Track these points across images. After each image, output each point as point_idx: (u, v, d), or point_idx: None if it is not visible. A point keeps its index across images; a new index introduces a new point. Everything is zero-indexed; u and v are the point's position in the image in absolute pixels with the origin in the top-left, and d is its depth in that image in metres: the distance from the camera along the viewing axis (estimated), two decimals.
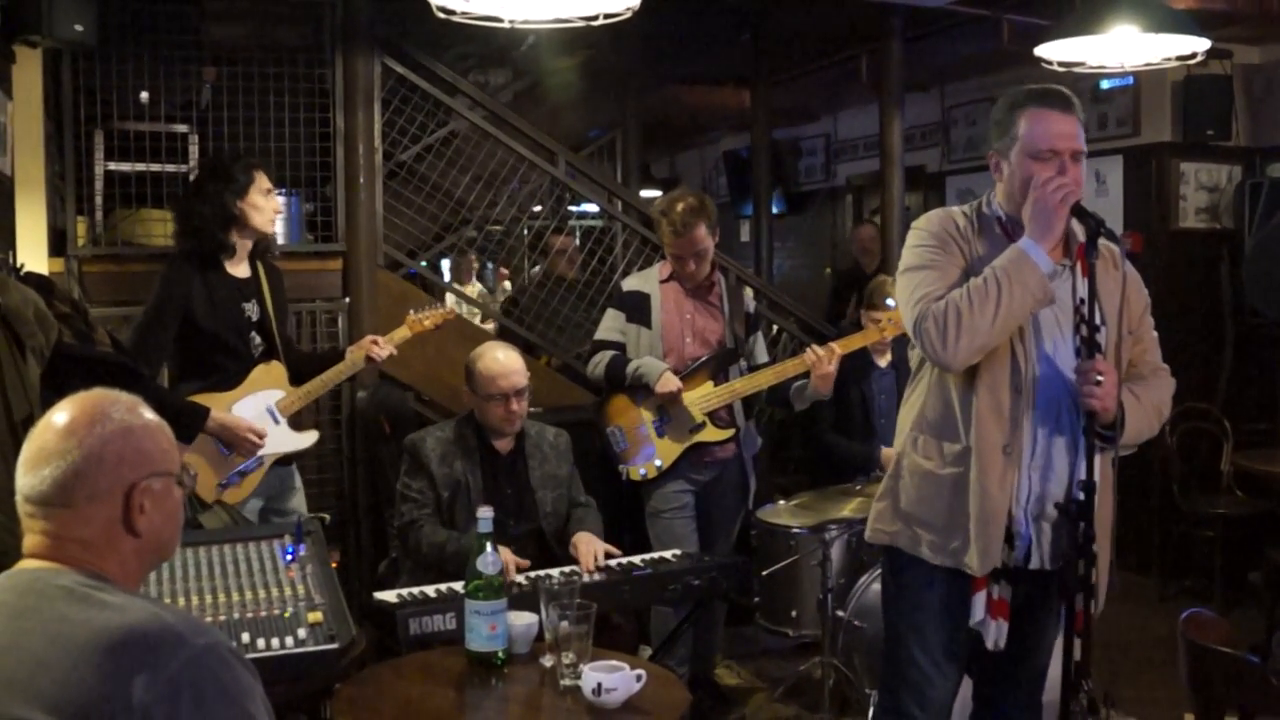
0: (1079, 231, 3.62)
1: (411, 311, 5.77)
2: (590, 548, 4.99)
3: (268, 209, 5.31)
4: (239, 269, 5.35)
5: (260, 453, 5.26)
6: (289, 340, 5.66)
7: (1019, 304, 3.50)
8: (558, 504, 5.29)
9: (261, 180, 5.28)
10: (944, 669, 3.82)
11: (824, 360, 5.66)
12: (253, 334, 5.34)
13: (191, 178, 6.47)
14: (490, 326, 8.38)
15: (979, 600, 3.67)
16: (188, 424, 5.02)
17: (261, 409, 5.30)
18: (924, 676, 3.82)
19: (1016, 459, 3.61)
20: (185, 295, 5.16)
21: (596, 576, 4.82)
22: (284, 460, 5.47)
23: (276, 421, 5.33)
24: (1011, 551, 3.64)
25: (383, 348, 5.52)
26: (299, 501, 5.60)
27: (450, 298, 8.16)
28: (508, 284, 11.82)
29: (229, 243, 5.26)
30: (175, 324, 5.17)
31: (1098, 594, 3.65)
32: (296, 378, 5.46)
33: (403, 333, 5.64)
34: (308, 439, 5.51)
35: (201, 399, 5.17)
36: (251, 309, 5.33)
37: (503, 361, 5.15)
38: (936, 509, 3.71)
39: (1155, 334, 3.94)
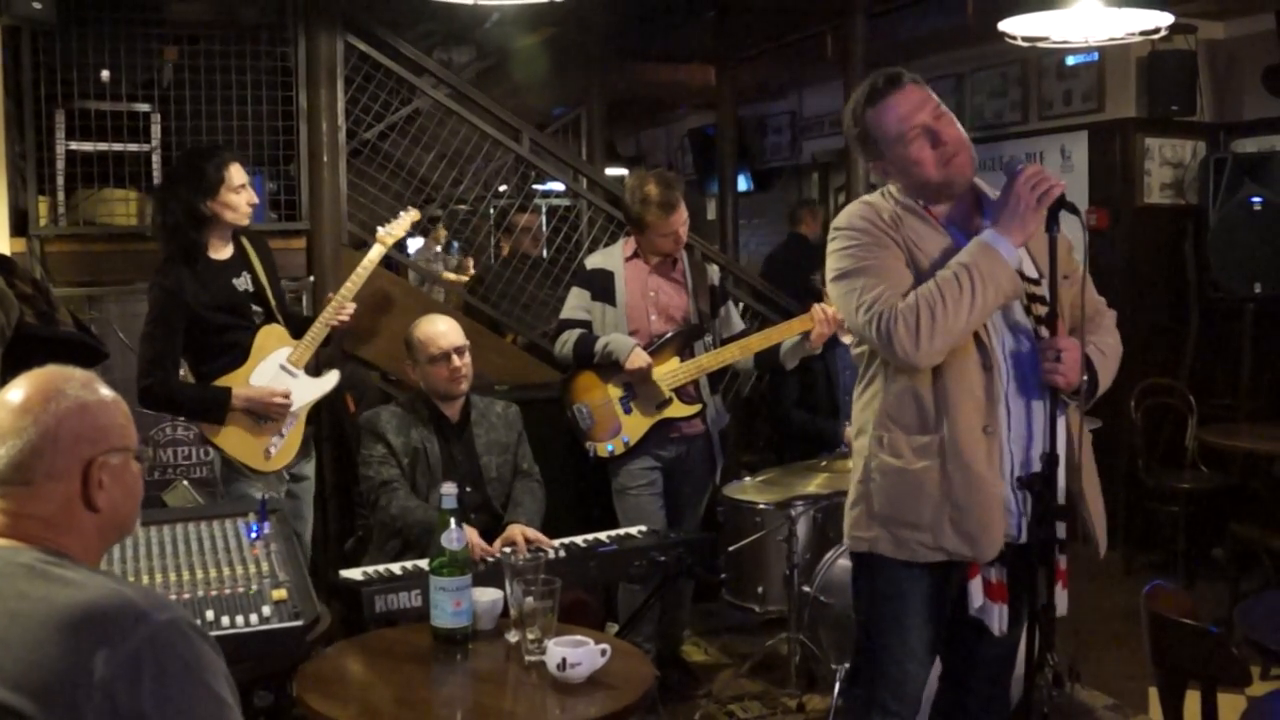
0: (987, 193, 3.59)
1: (380, 227, 5.93)
2: (522, 538, 4.99)
3: (240, 204, 5.32)
4: (223, 252, 5.39)
5: (292, 408, 5.37)
6: (281, 299, 5.69)
7: (992, 300, 3.43)
8: (502, 469, 5.35)
9: (234, 176, 5.28)
10: (920, 660, 3.75)
11: (829, 320, 5.69)
12: (252, 305, 5.40)
13: (157, 159, 6.48)
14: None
15: (976, 587, 3.58)
16: (214, 408, 5.22)
17: (276, 370, 5.39)
18: (904, 672, 3.73)
19: (998, 435, 3.52)
20: (180, 294, 5.19)
21: (562, 553, 4.83)
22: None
23: (294, 375, 5.41)
24: (1005, 529, 3.55)
25: (347, 308, 5.62)
26: (312, 467, 5.72)
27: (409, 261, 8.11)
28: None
29: (203, 240, 5.30)
30: (182, 325, 5.21)
31: (1097, 539, 3.66)
32: (296, 332, 5.52)
33: (378, 250, 5.79)
34: (330, 380, 5.60)
35: (220, 381, 5.27)
36: (244, 282, 5.39)
37: (437, 324, 5.29)
38: (917, 507, 3.56)
39: (1087, 274, 3.80)
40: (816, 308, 5.74)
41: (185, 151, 5.56)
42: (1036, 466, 3.53)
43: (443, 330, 5.24)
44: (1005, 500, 3.53)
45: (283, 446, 5.38)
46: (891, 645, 3.73)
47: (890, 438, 3.62)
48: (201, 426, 5.34)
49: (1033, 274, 3.55)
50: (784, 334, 5.88)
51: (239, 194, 5.30)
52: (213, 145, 5.75)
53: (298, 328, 5.55)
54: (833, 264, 3.65)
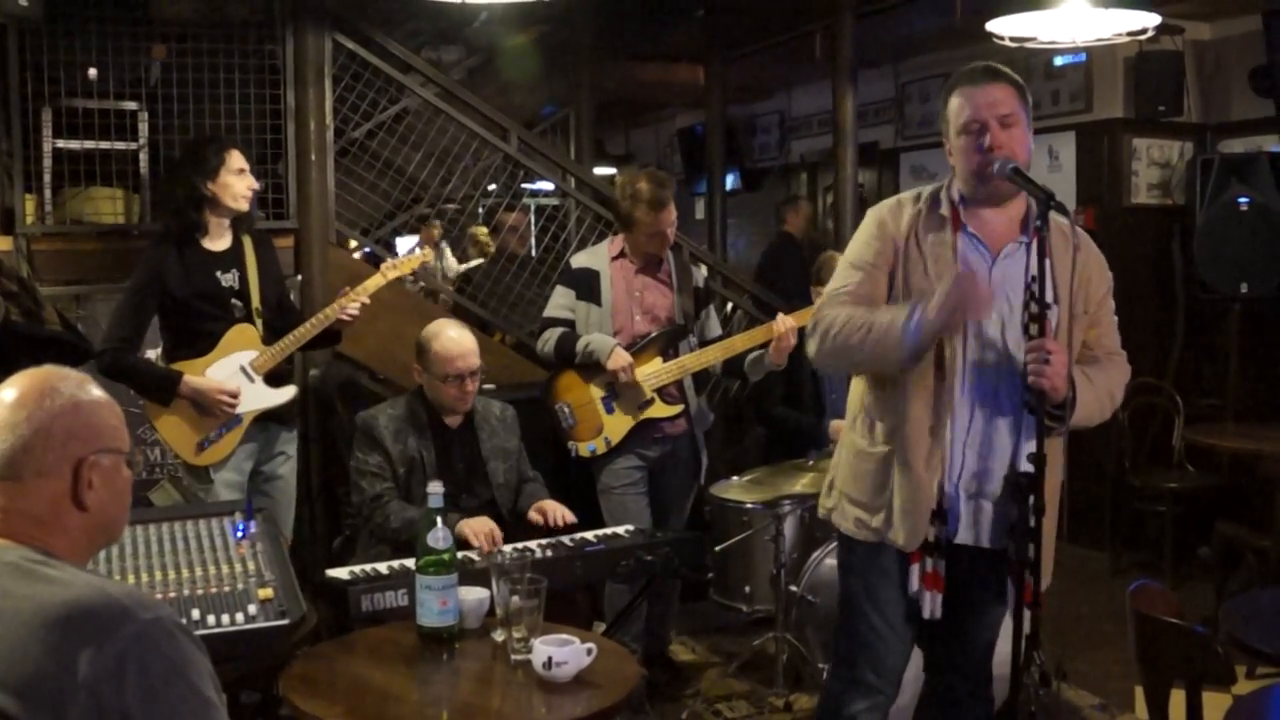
0: (1036, 209, 3.61)
1: (388, 258, 5.93)
2: (557, 509, 5.12)
3: (239, 187, 5.37)
4: (217, 243, 5.42)
5: (238, 410, 5.33)
6: (285, 306, 5.73)
7: (875, 361, 3.71)
8: (509, 475, 5.34)
9: (233, 160, 5.35)
10: (898, 632, 3.88)
11: (789, 332, 5.67)
12: (233, 300, 5.41)
13: (144, 158, 6.48)
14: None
15: (914, 572, 3.76)
16: (162, 389, 5.23)
17: (235, 369, 5.37)
18: (880, 640, 3.88)
19: (943, 439, 3.68)
20: (160, 271, 5.28)
21: (549, 552, 4.82)
22: (276, 419, 5.53)
23: (251, 380, 5.39)
24: (944, 526, 3.71)
25: (355, 297, 5.53)
26: (289, 469, 5.68)
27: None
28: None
29: (202, 221, 5.35)
30: (155, 299, 5.30)
31: (1042, 570, 3.67)
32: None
33: (377, 280, 5.68)
34: (285, 394, 5.54)
35: (178, 366, 5.28)
36: (230, 278, 5.40)
37: (458, 342, 5.17)
38: (864, 486, 3.82)
39: (1115, 319, 3.93)
40: (779, 318, 5.76)
41: (188, 140, 5.61)
42: (996, 477, 3.71)
43: (463, 351, 5.14)
44: (947, 499, 3.72)
45: (216, 445, 5.35)
46: (865, 606, 3.91)
47: (860, 419, 3.89)
48: (146, 406, 5.37)
49: (1050, 299, 3.60)
50: (729, 350, 5.87)
51: (239, 177, 5.36)
52: (215, 133, 5.76)
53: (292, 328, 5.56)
54: (849, 245, 3.91)
